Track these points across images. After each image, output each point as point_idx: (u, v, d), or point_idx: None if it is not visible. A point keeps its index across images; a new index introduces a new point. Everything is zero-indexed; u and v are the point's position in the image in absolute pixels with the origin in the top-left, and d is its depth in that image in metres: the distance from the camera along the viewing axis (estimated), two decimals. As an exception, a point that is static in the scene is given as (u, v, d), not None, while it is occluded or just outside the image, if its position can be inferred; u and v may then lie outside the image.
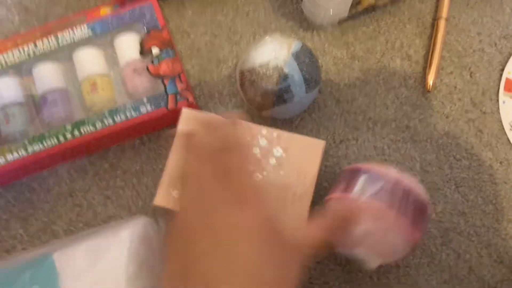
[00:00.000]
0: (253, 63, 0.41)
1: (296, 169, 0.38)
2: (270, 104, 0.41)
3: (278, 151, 0.39)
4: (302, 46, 0.42)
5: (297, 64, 0.40)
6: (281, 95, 0.40)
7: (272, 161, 0.39)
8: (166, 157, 0.44)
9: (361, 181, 0.35)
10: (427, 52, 0.48)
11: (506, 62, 0.47)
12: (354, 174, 0.36)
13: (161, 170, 0.44)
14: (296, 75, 0.40)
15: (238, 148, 0.33)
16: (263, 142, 0.40)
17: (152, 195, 0.44)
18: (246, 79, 0.41)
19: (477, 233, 0.43)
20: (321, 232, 0.31)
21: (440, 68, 0.47)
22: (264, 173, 0.39)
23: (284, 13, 0.50)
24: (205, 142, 0.32)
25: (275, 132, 0.40)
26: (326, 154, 0.45)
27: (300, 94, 0.41)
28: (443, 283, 0.41)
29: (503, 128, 0.45)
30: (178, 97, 0.43)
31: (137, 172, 0.45)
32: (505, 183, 0.44)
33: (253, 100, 0.42)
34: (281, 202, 0.38)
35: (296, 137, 0.39)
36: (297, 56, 0.41)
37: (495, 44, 0.48)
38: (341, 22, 0.48)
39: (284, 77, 0.40)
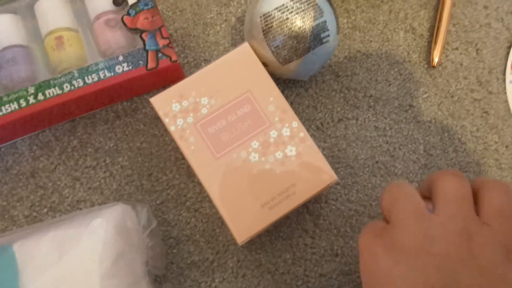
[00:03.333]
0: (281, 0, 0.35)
1: (292, 181, 0.34)
2: (305, 47, 0.36)
3: (291, 151, 0.34)
4: None
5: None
6: (318, 34, 0.35)
7: (279, 154, 0.34)
8: (144, 133, 0.38)
9: None
10: (432, 26, 0.44)
11: (514, 39, 0.44)
12: None
13: (138, 148, 0.39)
14: (327, 10, 0.36)
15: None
16: (286, 131, 0.35)
17: (128, 176, 0.38)
18: (275, 20, 0.35)
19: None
20: None
21: (445, 43, 0.44)
22: (257, 156, 0.34)
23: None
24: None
25: (302, 132, 0.35)
26: (323, 134, 0.41)
27: (333, 34, 0.36)
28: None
29: (510, 110, 0.43)
30: (160, 54, 0.38)
31: (110, 150, 0.39)
32: (510, 167, 0.41)
33: (283, 47, 0.36)
34: (247, 196, 0.33)
35: (317, 152, 0.34)
36: None
37: (502, 20, 0.45)
38: (342, -13, 0.44)
39: (320, 11, 0.35)
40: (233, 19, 0.43)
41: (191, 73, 0.41)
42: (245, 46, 0.36)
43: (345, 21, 0.44)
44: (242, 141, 0.35)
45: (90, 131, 0.40)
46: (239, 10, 0.44)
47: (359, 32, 0.44)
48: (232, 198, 0.33)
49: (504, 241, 0.24)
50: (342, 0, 0.44)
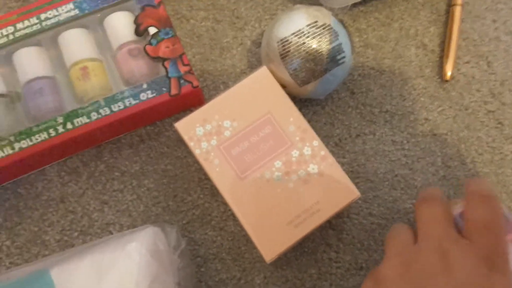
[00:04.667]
0: (297, 25, 0.37)
1: (316, 198, 0.35)
2: (322, 69, 0.37)
3: (313, 169, 0.36)
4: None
5: (338, 22, 0.38)
6: (334, 56, 0.37)
7: (302, 173, 0.35)
8: (168, 155, 0.40)
9: None
10: (442, 41, 0.45)
11: (524, 50, 0.45)
12: None
13: (163, 170, 0.40)
14: (341, 33, 0.38)
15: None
16: (307, 150, 0.36)
17: (154, 197, 0.40)
18: (292, 44, 0.37)
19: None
20: None
21: (456, 57, 0.45)
22: (280, 175, 0.35)
23: (292, -3, 0.46)
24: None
25: (323, 151, 0.36)
26: (342, 150, 0.42)
27: (348, 55, 0.38)
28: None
29: (523, 120, 0.43)
30: (182, 81, 0.39)
31: (136, 173, 0.41)
32: (527, 177, 0.42)
33: (300, 69, 0.37)
34: (272, 215, 0.34)
35: (338, 170, 0.36)
36: (335, 15, 0.39)
37: (511, 33, 0.46)
38: (352, 8, 0.45)
39: (335, 35, 0.37)
40: (249, 42, 0.45)
41: (210, 96, 0.43)
42: (263, 70, 0.38)
43: (357, 39, 0.45)
44: (265, 161, 0.36)
45: (116, 156, 0.41)
46: (254, 33, 0.45)
47: (372, 50, 0.45)
48: (258, 217, 0.34)
49: (484, 254, 0.25)
50: (354, 20, 0.46)
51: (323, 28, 0.37)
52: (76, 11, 0.40)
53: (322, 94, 0.40)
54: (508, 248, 0.26)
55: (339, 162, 0.42)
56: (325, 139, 0.42)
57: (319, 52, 0.37)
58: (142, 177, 0.41)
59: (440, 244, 0.26)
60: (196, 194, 0.40)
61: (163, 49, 0.39)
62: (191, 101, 0.41)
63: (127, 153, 0.41)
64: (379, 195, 0.41)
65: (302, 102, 0.43)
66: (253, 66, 0.44)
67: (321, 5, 0.45)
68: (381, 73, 0.44)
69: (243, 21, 0.45)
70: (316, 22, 0.37)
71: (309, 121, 0.43)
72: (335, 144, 0.42)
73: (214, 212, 0.40)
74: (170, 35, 0.40)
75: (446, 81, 0.44)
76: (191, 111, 0.43)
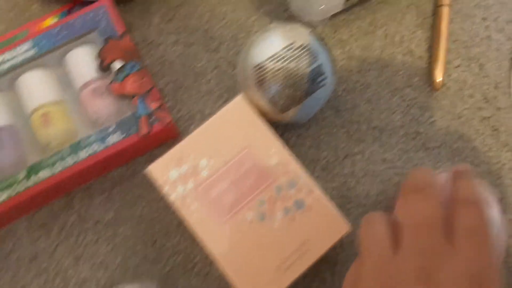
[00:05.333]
0: (273, 49, 0.34)
1: (305, 236, 0.33)
2: (302, 94, 0.34)
3: (300, 205, 0.33)
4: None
5: (317, 40, 0.35)
6: (314, 79, 0.34)
7: (287, 210, 0.33)
8: (144, 198, 0.38)
9: None
10: (430, 46, 0.43)
11: (517, 49, 0.42)
12: None
13: (139, 216, 0.38)
14: (320, 52, 0.35)
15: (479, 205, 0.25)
16: (291, 185, 0.34)
17: (131, 246, 0.38)
18: (268, 70, 0.34)
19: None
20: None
21: (446, 62, 0.42)
22: (265, 214, 0.33)
23: (267, 11, 0.43)
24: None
25: (309, 183, 0.33)
26: (330, 174, 0.40)
27: (329, 75, 0.35)
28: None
29: (521, 125, 0.41)
30: (152, 118, 0.37)
31: (110, 221, 0.38)
32: None
33: (279, 96, 0.35)
34: (259, 260, 0.32)
35: (326, 203, 0.33)
36: (313, 32, 0.36)
37: (503, 30, 0.43)
38: (332, 18, 0.42)
39: (314, 56, 0.34)
40: (224, 64, 0.42)
41: (186, 127, 0.40)
42: (239, 99, 0.35)
43: (339, 52, 0.42)
44: (247, 200, 0.33)
45: (88, 204, 0.39)
46: (230, 53, 0.42)
47: (356, 61, 0.42)
48: (243, 264, 0.32)
49: (471, 269, 0.23)
50: (334, 31, 0.43)
51: (301, 50, 0.34)
52: (35, 50, 0.38)
53: (304, 119, 0.37)
54: (496, 260, 0.24)
55: (327, 187, 0.39)
56: (311, 164, 0.40)
57: (298, 76, 0.34)
58: (117, 225, 0.38)
59: (424, 266, 0.24)
60: (176, 238, 0.38)
61: (130, 85, 0.37)
62: (164, 137, 0.38)
63: (99, 200, 0.39)
64: (372, 220, 0.39)
65: (284, 126, 0.41)
66: (230, 90, 0.42)
67: (299, 20, 0.42)
68: (367, 86, 0.42)
69: (217, 41, 0.42)
70: (292, 44, 0.34)
71: (292, 146, 0.40)
72: (322, 169, 0.40)
73: (197, 257, 0.38)
74: (137, 68, 0.37)
75: (437, 90, 0.41)
76: (168, 144, 0.40)
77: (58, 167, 0.35)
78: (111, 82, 0.37)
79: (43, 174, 0.35)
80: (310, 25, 0.42)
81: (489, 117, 0.41)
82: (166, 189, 0.33)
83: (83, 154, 0.35)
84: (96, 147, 0.35)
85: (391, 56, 0.42)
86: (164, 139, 0.39)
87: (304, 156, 0.40)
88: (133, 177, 0.39)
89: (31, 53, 0.38)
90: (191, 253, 0.38)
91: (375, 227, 0.26)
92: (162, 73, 0.41)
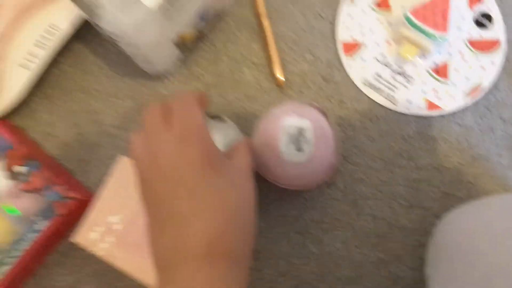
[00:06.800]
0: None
1: None
2: None
3: None
4: None
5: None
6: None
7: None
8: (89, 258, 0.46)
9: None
10: (266, 52, 0.50)
11: (335, 28, 0.50)
12: None
13: (94, 271, 0.46)
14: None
15: (181, 95, 0.35)
16: None
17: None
18: None
19: (380, 190, 0.47)
20: (249, 151, 0.36)
21: (283, 61, 0.50)
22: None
23: (127, 73, 0.50)
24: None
25: None
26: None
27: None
28: (373, 246, 0.46)
29: (359, 88, 0.49)
30: (65, 200, 0.44)
31: (72, 285, 0.47)
32: (381, 136, 0.48)
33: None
34: None
35: None
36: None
37: (320, 15, 0.51)
38: (182, 59, 0.50)
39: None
40: (110, 130, 0.50)
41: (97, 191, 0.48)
42: (122, 161, 0.43)
43: (199, 85, 0.50)
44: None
45: (46, 274, 0.47)
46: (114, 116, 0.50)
47: (214, 88, 0.50)
48: None
49: (178, 137, 0.32)
50: (188, 68, 0.50)
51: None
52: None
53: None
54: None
55: None
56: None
57: None
58: (79, 282, 0.47)
59: (148, 141, 0.33)
60: (127, 279, 0.46)
61: (36, 181, 0.45)
62: (83, 206, 0.46)
63: (55, 270, 0.47)
64: None
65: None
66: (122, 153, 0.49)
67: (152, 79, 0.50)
68: (228, 104, 0.50)
69: (102, 114, 0.50)
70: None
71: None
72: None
73: (140, 291, 0.46)
74: (36, 166, 0.45)
75: (282, 85, 0.49)
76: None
77: (7, 264, 0.43)
78: (20, 184, 0.45)
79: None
80: (168, 73, 0.50)
81: (332, 94, 0.49)
82: (93, 249, 0.42)
83: (22, 246, 0.43)
84: (31, 236, 0.44)
85: (240, 72, 0.50)
86: (84, 207, 0.47)
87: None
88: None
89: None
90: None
91: (151, 108, 0.35)
92: (66, 157, 0.49)
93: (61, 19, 0.47)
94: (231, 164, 0.34)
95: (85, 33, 0.50)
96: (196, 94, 0.36)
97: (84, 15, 0.41)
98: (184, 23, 0.43)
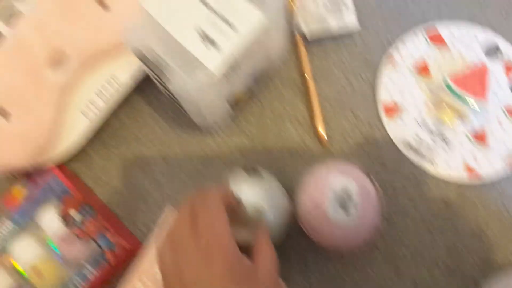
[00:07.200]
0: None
1: None
2: None
3: None
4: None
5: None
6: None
7: None
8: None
9: None
10: (309, 109, 0.53)
11: (376, 90, 0.53)
12: None
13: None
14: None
15: (206, 195, 0.37)
16: None
17: None
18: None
19: (420, 254, 0.48)
20: (270, 249, 0.37)
21: (325, 119, 0.52)
22: None
23: (179, 125, 0.53)
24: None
25: None
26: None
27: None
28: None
29: (399, 149, 0.51)
30: (115, 248, 0.47)
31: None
32: (421, 198, 0.50)
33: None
34: None
35: None
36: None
37: (360, 76, 0.54)
38: (232, 115, 0.53)
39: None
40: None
41: (145, 239, 0.50)
42: (170, 211, 0.46)
43: (244, 138, 0.53)
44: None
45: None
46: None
47: (259, 141, 0.52)
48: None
49: (204, 249, 0.34)
50: (235, 122, 0.53)
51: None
52: (14, 226, 0.48)
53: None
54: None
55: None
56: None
57: None
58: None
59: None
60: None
61: (90, 227, 0.47)
62: (130, 256, 0.48)
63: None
64: None
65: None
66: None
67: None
68: (272, 158, 0.52)
69: (151, 163, 0.53)
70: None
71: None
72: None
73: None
74: (90, 213, 0.48)
75: (324, 143, 0.51)
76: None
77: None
78: (74, 229, 0.47)
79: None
80: (217, 126, 0.53)
81: (369, 152, 0.51)
82: None
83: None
84: (78, 283, 0.46)
85: (282, 127, 0.53)
86: (132, 256, 0.49)
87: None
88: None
89: (11, 227, 0.48)
90: None
91: (181, 216, 0.37)
92: (117, 203, 0.52)
93: (123, 72, 0.50)
94: (256, 270, 0.35)
95: (144, 86, 0.53)
96: (221, 192, 0.38)
97: (150, 74, 0.45)
98: (239, 84, 0.46)
